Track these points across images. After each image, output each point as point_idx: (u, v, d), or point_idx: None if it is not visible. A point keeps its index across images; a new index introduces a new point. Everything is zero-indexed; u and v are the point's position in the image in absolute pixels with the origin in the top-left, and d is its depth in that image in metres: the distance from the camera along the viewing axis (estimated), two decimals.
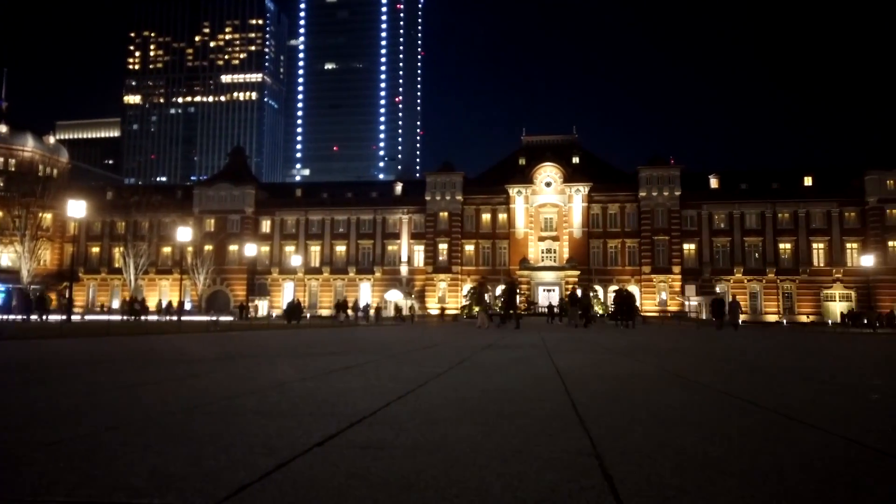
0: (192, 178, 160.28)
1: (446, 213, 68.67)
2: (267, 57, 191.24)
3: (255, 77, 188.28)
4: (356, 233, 71.94)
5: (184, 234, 31.79)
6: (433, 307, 65.14)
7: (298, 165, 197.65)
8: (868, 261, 51.54)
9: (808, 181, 64.39)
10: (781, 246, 63.35)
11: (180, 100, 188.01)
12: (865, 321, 46.09)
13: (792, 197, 62.81)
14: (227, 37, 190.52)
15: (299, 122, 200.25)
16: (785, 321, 56.12)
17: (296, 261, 58.86)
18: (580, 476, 1.48)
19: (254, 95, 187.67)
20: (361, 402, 2.83)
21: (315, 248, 72.46)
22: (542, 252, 66.96)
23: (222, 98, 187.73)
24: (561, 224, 66.84)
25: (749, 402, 2.87)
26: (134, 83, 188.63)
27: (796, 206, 62.87)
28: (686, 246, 64.63)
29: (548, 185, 67.54)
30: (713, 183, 66.14)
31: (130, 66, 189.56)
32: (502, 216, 68.47)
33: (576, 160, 70.09)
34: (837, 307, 60.72)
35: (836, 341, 13.43)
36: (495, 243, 68.29)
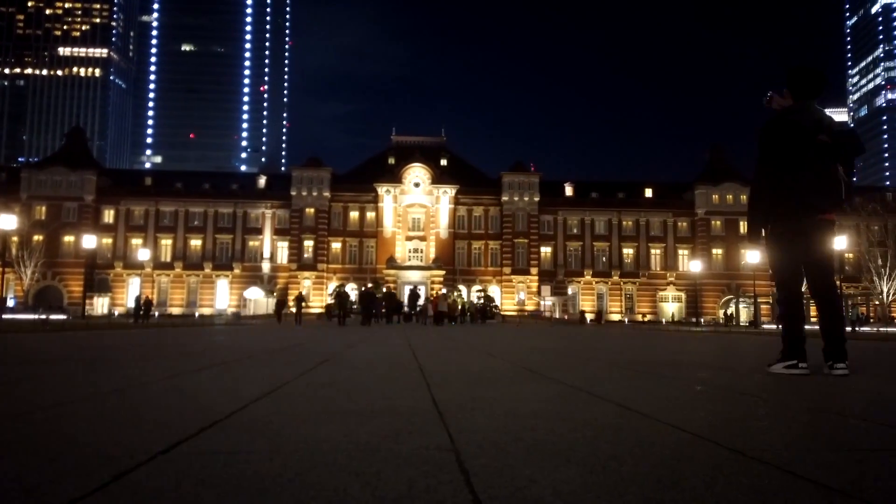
0: (21, 159, 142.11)
1: (313, 210, 67.12)
2: (114, 31, 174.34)
3: (100, 52, 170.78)
4: (214, 226, 67.95)
5: (7, 221, 28.03)
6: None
7: (149, 152, 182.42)
8: (696, 266, 57.94)
9: (648, 193, 71.15)
10: (625, 251, 69.32)
11: (7, 71, 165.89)
12: (693, 320, 51.73)
13: (635, 206, 69.06)
14: (67, 5, 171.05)
15: (151, 104, 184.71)
16: (626, 320, 61.45)
17: (143, 255, 54.41)
18: (438, 471, 1.52)
19: (97, 72, 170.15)
20: (214, 405, 2.68)
21: (166, 242, 67.42)
22: (410, 252, 67.65)
23: (59, 72, 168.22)
24: (428, 224, 67.95)
25: (589, 394, 3.11)
26: None
27: (638, 215, 69.16)
28: (543, 249, 68.55)
29: (416, 185, 68.35)
30: (568, 191, 70.80)
31: None
32: (370, 214, 68.22)
33: (444, 162, 71.62)
34: (670, 308, 67.64)
35: (669, 338, 14.94)
36: (363, 241, 67.90)
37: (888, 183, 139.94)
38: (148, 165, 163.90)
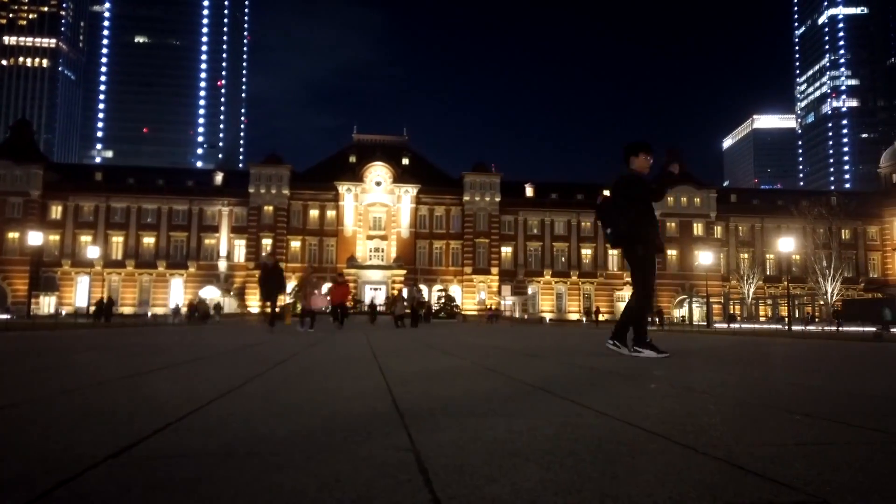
0: None
1: (271, 208, 66.16)
2: (63, 21, 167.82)
3: (48, 42, 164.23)
4: (168, 224, 66.27)
5: None
6: (255, 305, 62.21)
7: (99, 146, 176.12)
8: None
9: (606, 194, 72.41)
10: (583, 251, 70.45)
11: None
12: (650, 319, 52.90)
13: (593, 208, 69.95)
14: None
15: (102, 97, 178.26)
16: (585, 319, 62.42)
17: (93, 252, 52.74)
18: (397, 471, 1.51)
19: (45, 62, 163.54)
20: (168, 407, 2.61)
21: (117, 239, 65.45)
22: (371, 251, 67.32)
23: (4, 62, 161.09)
24: (389, 223, 67.73)
25: (547, 392, 3.16)
26: None
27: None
28: (504, 249, 69.11)
29: (378, 184, 68.06)
30: (529, 191, 71.56)
31: None
32: (331, 213, 67.62)
33: (406, 161, 71.48)
34: None
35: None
36: (323, 240, 67.26)
37: (833, 187, 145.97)
38: (98, 160, 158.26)
